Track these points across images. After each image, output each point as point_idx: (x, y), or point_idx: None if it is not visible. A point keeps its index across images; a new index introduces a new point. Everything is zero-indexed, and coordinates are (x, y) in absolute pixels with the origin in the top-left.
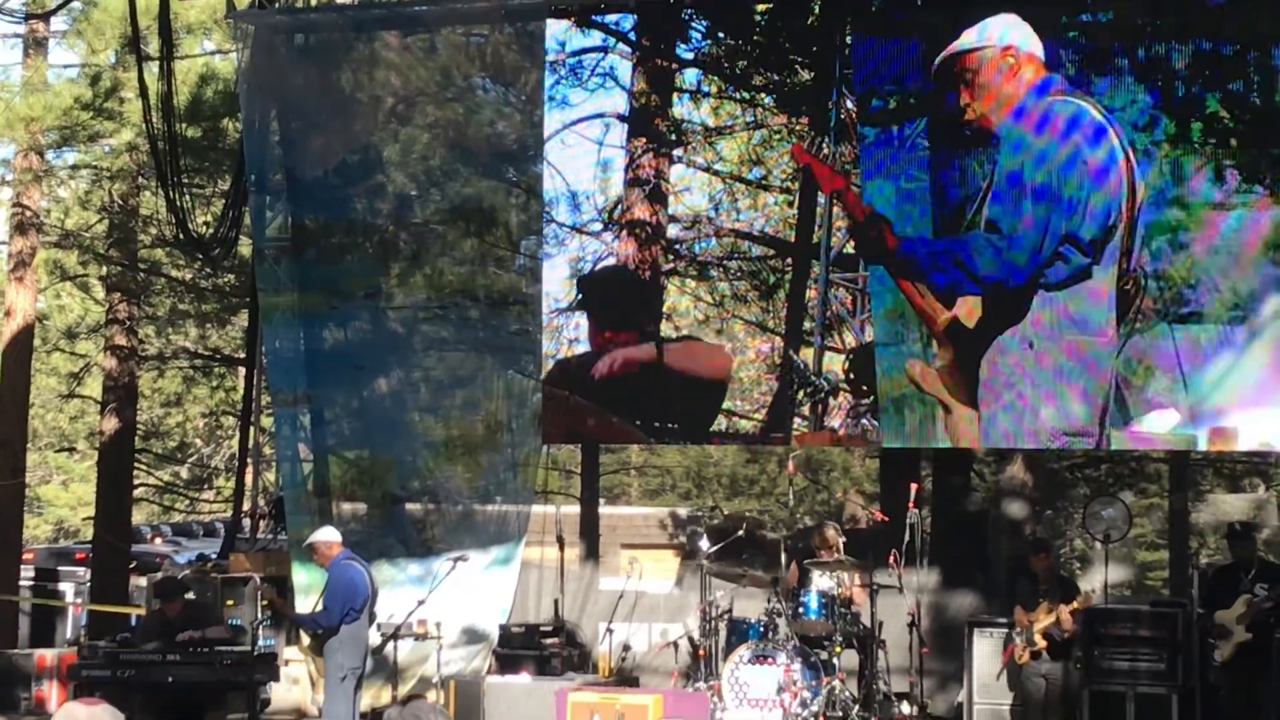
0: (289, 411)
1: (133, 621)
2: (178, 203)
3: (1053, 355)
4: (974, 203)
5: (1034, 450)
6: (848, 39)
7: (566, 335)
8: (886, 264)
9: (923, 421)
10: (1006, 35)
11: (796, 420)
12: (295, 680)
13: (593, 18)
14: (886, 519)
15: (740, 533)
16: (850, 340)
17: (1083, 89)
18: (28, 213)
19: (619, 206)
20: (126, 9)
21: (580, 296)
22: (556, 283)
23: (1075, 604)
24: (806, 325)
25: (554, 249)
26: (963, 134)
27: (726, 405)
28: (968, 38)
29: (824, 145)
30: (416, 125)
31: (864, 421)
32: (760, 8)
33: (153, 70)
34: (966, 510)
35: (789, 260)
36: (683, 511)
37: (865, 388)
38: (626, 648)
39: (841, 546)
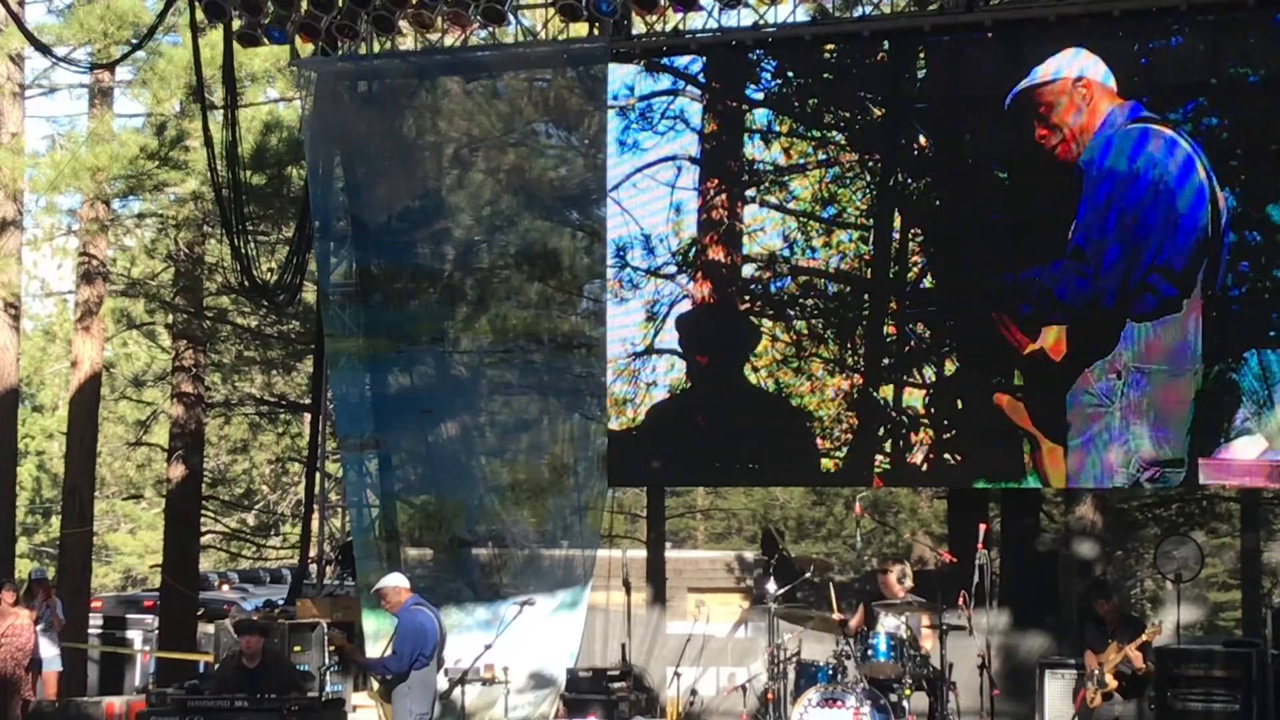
0: (356, 456)
1: (200, 668)
2: (243, 250)
3: (1140, 386)
4: (1057, 232)
5: (1105, 489)
6: (919, 74)
7: (644, 379)
8: (970, 296)
9: (1007, 457)
10: (1078, 68)
11: (878, 458)
12: None
13: (661, 61)
14: (955, 560)
15: (808, 575)
16: (930, 375)
17: (1160, 114)
18: (94, 262)
19: (693, 248)
20: (191, 58)
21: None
22: (633, 326)
23: (1143, 637)
24: (885, 361)
25: (628, 292)
26: (1041, 165)
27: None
28: (1038, 73)
29: (898, 180)
30: (479, 170)
31: (946, 457)
32: (830, 45)
33: (217, 119)
34: (1036, 551)
35: (865, 296)
36: (749, 555)
37: (946, 422)
38: (694, 692)
39: (902, 586)
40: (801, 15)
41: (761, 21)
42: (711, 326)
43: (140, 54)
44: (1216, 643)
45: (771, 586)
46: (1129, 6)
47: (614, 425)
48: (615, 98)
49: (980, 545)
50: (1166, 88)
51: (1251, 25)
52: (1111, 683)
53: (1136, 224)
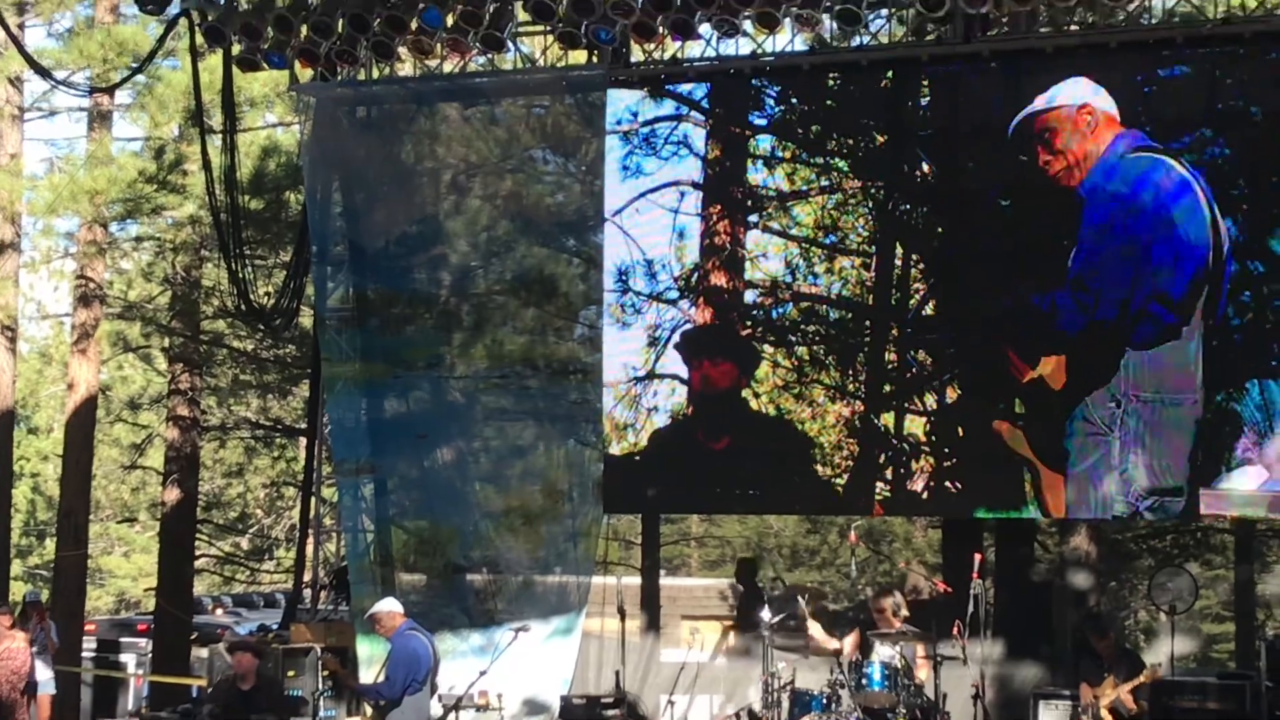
0: (351, 481)
1: (193, 693)
2: (240, 274)
3: (1140, 414)
4: (1058, 260)
5: (1103, 519)
6: (922, 101)
7: (645, 404)
8: (971, 324)
9: (1007, 485)
10: (1082, 96)
11: (879, 485)
12: None
13: (666, 86)
14: (949, 590)
15: (803, 603)
16: (932, 402)
17: (1161, 144)
18: (91, 285)
19: (695, 274)
20: (190, 83)
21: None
22: (635, 351)
23: (1141, 678)
24: (887, 388)
25: (630, 317)
26: (1043, 193)
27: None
28: (1042, 100)
29: (900, 207)
30: (477, 196)
31: (947, 485)
32: (832, 73)
33: (216, 143)
34: (1030, 581)
35: (867, 323)
36: None
37: (947, 450)
38: None
39: (896, 616)
40: (800, 44)
41: (760, 50)
42: (713, 348)
43: (140, 78)
44: (1210, 675)
45: (765, 615)
46: (1126, 39)
47: (615, 450)
48: (619, 122)
49: (975, 575)
50: (1168, 117)
51: (1249, 59)
52: (1106, 717)
53: (1137, 251)
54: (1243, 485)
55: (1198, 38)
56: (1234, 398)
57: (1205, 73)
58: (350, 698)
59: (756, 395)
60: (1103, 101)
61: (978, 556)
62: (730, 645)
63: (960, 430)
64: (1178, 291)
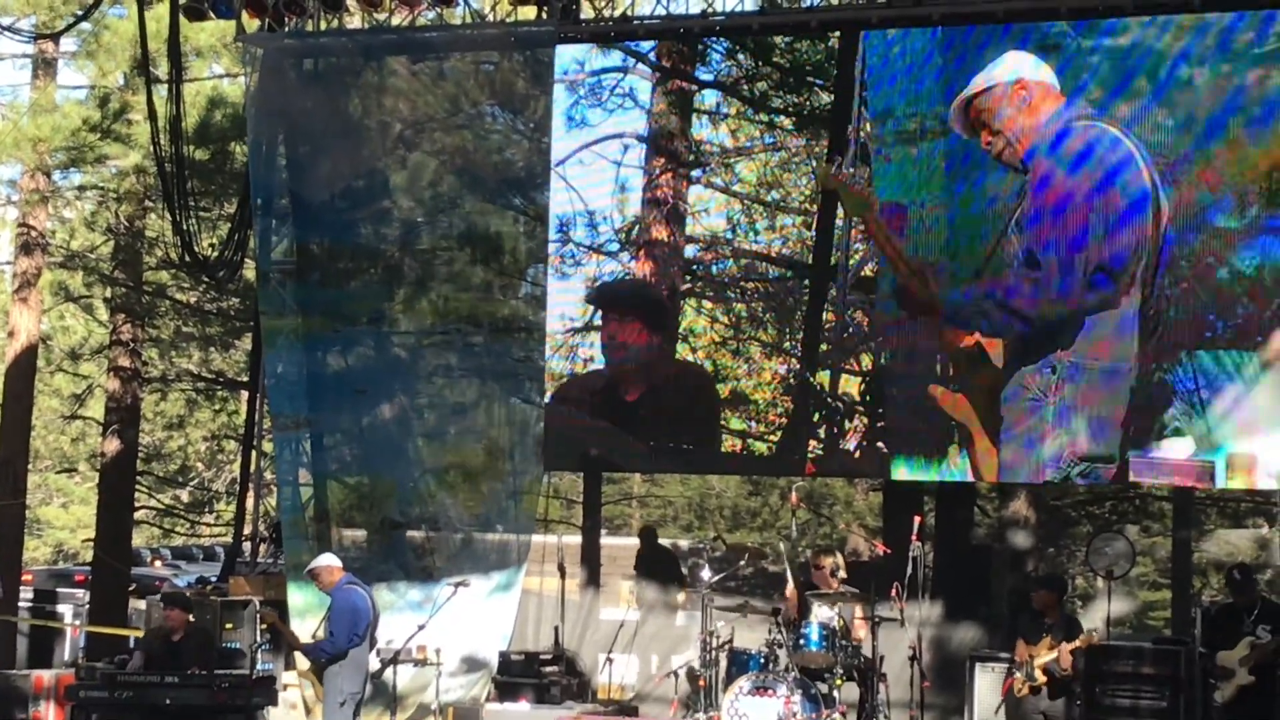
0: (290, 436)
1: (131, 644)
2: (184, 225)
3: (1075, 380)
4: (1002, 230)
5: (1039, 484)
6: (868, 62)
7: (582, 354)
8: (929, 315)
9: (940, 448)
10: (1015, 71)
11: (811, 443)
12: (293, 705)
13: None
14: (889, 552)
15: (743, 563)
16: (867, 363)
17: (1104, 112)
18: (33, 233)
19: (636, 227)
20: (136, 31)
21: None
22: (573, 303)
23: (1077, 642)
24: (823, 347)
25: (570, 269)
26: (986, 159)
27: (740, 427)
28: (977, 82)
29: (842, 167)
30: (424, 151)
31: (879, 446)
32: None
33: (161, 93)
34: (969, 544)
35: (806, 282)
36: (684, 543)
37: (881, 411)
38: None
39: (835, 577)
40: (750, 4)
41: (710, 9)
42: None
43: (86, 25)
44: (1146, 640)
45: (706, 574)
46: (1076, 4)
47: (549, 402)
48: (565, 72)
49: (914, 538)
50: (1112, 86)
51: (1198, 28)
52: (1040, 678)
53: (1082, 222)
54: (1173, 454)
55: (1148, 4)
56: (1167, 368)
57: (1152, 41)
58: (287, 650)
59: (693, 351)
60: (1038, 72)
61: (917, 519)
62: (669, 604)
63: (895, 392)
64: (1118, 260)
